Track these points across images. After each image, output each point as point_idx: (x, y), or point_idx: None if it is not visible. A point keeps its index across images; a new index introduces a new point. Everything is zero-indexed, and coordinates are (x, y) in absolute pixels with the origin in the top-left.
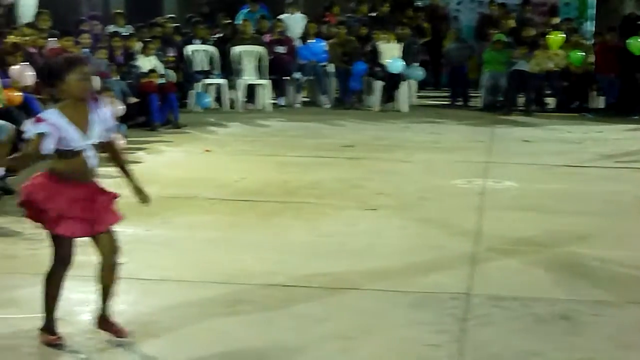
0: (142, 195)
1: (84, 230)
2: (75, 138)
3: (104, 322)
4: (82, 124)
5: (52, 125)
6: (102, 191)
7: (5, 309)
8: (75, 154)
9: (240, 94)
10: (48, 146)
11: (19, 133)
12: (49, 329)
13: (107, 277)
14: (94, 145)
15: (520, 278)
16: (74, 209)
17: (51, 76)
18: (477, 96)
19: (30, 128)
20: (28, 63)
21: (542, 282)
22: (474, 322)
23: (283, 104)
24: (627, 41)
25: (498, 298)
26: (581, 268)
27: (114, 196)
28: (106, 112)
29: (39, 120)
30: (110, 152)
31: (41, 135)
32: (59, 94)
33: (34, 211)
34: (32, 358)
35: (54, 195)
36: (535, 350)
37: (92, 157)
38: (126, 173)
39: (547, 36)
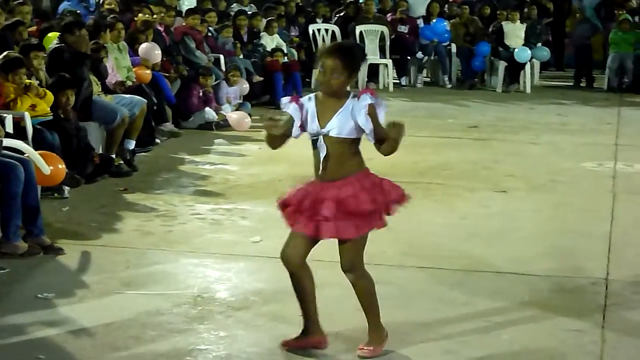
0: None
1: (305, 228)
2: (312, 126)
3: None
4: (325, 115)
5: (299, 107)
6: (350, 197)
7: (144, 286)
8: (313, 142)
9: (362, 73)
10: (295, 126)
11: (150, 108)
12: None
13: (356, 294)
14: (328, 138)
15: None
16: (294, 197)
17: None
18: (601, 77)
19: (285, 105)
20: (155, 42)
21: None
22: (616, 309)
23: (404, 84)
24: None
25: (639, 284)
26: None
27: (372, 209)
28: (362, 110)
29: (294, 99)
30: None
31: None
32: None
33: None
34: (179, 335)
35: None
36: None
37: (322, 149)
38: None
39: None
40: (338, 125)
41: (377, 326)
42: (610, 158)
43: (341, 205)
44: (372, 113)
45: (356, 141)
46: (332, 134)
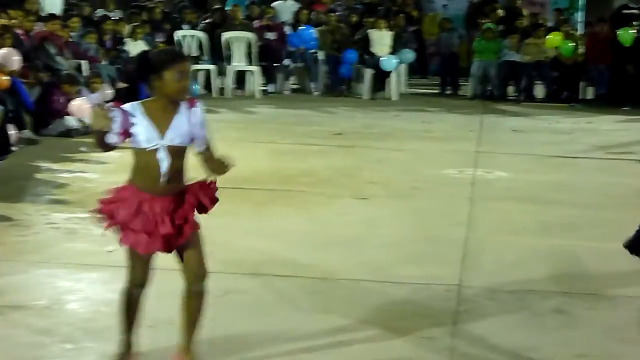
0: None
1: (151, 245)
2: (148, 136)
3: (180, 354)
4: (162, 124)
5: (123, 114)
6: (184, 202)
7: None
8: (148, 154)
9: (229, 80)
10: (113, 132)
11: (6, 115)
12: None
13: (188, 306)
14: (169, 148)
15: (514, 270)
16: (138, 221)
17: (147, 69)
18: (466, 85)
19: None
20: (14, 47)
21: (536, 274)
22: (468, 315)
23: (272, 91)
24: (618, 32)
25: (492, 290)
26: (575, 260)
27: (199, 203)
28: (198, 118)
29: (116, 105)
30: (205, 163)
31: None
32: (151, 89)
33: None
34: (23, 348)
35: (126, 205)
36: (529, 345)
37: (164, 161)
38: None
39: (547, 37)
40: (178, 134)
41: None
42: (471, 165)
43: (190, 211)
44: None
45: (188, 150)
46: (174, 143)
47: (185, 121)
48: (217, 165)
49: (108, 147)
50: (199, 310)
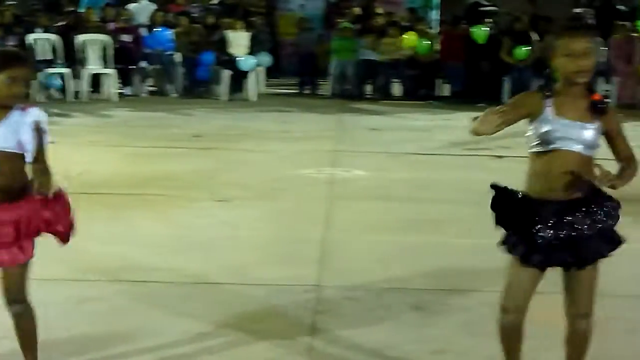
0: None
1: None
2: None
3: None
4: None
5: None
6: (27, 219)
7: None
8: None
9: (84, 84)
10: None
11: None
12: None
13: (22, 326)
14: None
15: (373, 268)
16: None
17: None
18: (325, 84)
19: None
20: None
21: (395, 272)
22: (327, 315)
23: (129, 94)
24: (472, 29)
25: (350, 289)
26: (433, 257)
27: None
28: (27, 121)
29: None
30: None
31: None
32: None
33: None
34: None
35: None
36: (388, 343)
37: None
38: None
39: (403, 36)
40: (3, 137)
41: None
42: (329, 164)
43: (17, 227)
44: (37, 130)
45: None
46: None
47: (14, 126)
48: (45, 181)
49: None
50: (30, 330)
